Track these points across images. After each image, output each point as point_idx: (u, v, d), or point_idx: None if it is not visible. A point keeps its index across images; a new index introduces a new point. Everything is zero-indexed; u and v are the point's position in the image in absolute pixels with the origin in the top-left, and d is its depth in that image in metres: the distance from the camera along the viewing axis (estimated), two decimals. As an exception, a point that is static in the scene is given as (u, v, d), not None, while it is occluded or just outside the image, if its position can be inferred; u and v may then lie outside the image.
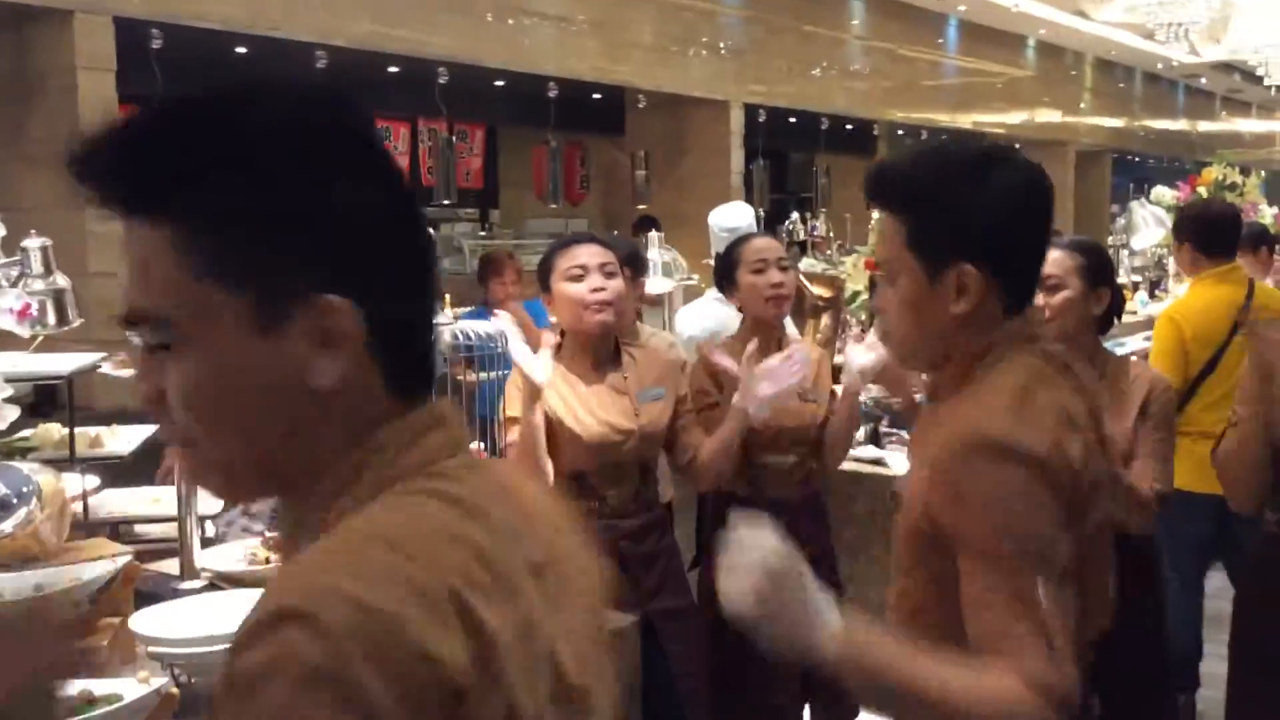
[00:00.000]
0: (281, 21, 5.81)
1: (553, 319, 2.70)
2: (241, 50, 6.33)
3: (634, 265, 3.58)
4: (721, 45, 8.52)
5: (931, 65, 10.99)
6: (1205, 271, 3.90)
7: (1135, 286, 7.59)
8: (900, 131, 11.94)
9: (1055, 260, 2.54)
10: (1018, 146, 12.63)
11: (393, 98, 7.50)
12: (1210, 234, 3.93)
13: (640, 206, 8.33)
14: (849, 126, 10.55)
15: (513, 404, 2.52)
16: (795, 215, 8.24)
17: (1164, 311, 4.12)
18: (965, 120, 11.58)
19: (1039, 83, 12.50)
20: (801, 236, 7.78)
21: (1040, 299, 2.52)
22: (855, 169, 10.57)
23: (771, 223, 8.45)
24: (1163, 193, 7.76)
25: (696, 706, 2.67)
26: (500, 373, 2.40)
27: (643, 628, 2.37)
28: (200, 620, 1.78)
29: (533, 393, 2.41)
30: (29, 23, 5.21)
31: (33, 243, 2.43)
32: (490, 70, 7.11)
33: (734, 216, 4.46)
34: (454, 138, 7.58)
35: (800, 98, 9.46)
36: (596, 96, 8.52)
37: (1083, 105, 13.48)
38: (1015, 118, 12.27)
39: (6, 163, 5.32)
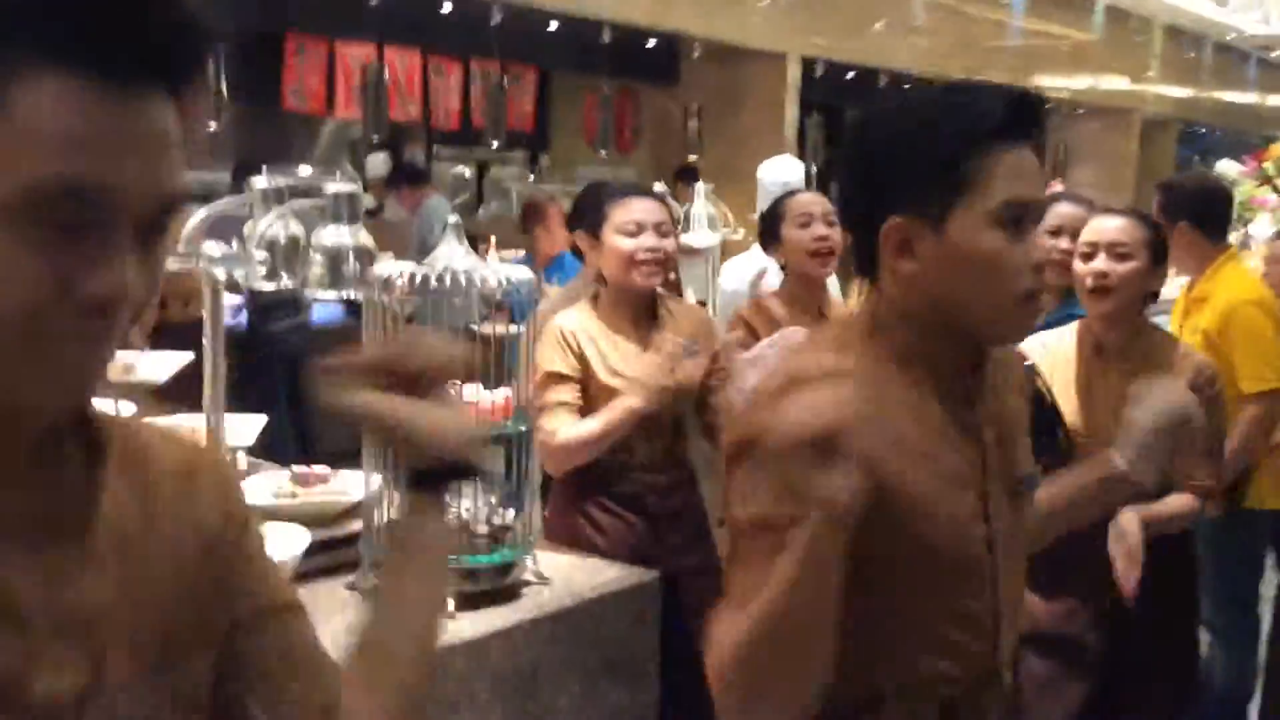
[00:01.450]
0: (336, -46, 5.76)
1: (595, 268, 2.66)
2: (297, -17, 6.30)
3: None
4: (782, -5, 8.36)
5: (995, 25, 10.73)
6: (1225, 254, 3.48)
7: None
8: (960, 92, 11.70)
9: (1124, 228, 2.37)
10: (1081, 112, 12.37)
11: (445, 35, 7.42)
12: (1218, 215, 3.51)
13: (691, 157, 8.24)
14: (906, 85, 10.35)
15: (550, 358, 2.49)
16: (848, 172, 8.12)
17: (1239, 300, 3.34)
18: (1027, 83, 11.30)
19: (1105, 48, 12.16)
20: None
21: (1105, 263, 2.38)
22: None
23: (824, 180, 8.33)
24: (1228, 166, 7.56)
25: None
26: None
27: (665, 584, 2.36)
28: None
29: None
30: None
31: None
32: (544, 12, 7.02)
33: (784, 171, 4.38)
34: (505, 79, 7.51)
35: (861, 53, 9.28)
36: (651, 44, 8.40)
37: (1150, 73, 13.13)
38: (1079, 83, 11.98)
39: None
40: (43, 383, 0.72)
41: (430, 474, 0.93)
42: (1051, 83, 11.62)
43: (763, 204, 4.18)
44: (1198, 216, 3.44)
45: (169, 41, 0.71)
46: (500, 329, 2.19)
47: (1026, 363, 1.95)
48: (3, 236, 0.68)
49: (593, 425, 2.47)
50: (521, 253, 5.65)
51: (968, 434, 1.32)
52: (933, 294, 1.28)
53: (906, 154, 1.27)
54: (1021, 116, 1.26)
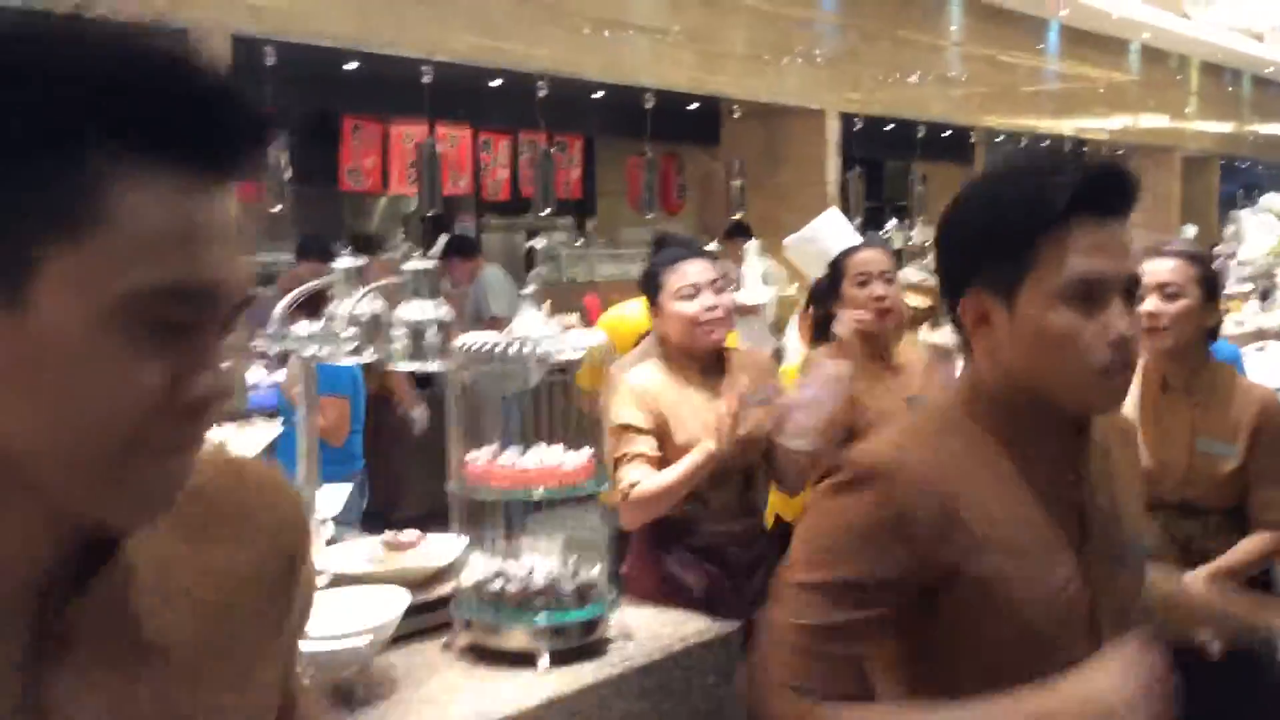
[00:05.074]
0: (391, 37, 5.96)
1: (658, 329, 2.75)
2: (351, 66, 6.52)
3: None
4: (817, 53, 8.51)
5: (1031, 71, 10.82)
6: None
7: (1245, 296, 7.39)
8: (999, 138, 11.78)
9: (1174, 268, 2.46)
10: (1120, 153, 12.40)
11: (493, 111, 7.63)
12: None
13: (736, 215, 8.36)
14: (945, 134, 10.45)
15: (624, 412, 2.56)
16: (892, 223, 8.19)
17: None
18: (1067, 126, 11.38)
19: (1143, 87, 12.22)
20: (898, 245, 7.73)
21: (1155, 304, 2.45)
22: (952, 176, 10.47)
23: (867, 231, 8.40)
24: (1273, 199, 7.56)
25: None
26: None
27: (744, 634, 2.40)
28: (325, 618, 1.86)
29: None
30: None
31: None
32: (589, 83, 7.20)
33: (833, 234, 4.30)
34: (552, 149, 7.69)
35: (896, 105, 9.40)
36: (692, 107, 8.57)
37: (1189, 110, 13.14)
38: (1118, 123, 12.02)
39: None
40: (134, 500, 0.68)
41: None
42: (1090, 124, 11.68)
43: (813, 265, 4.19)
44: None
45: (247, 132, 0.70)
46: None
47: None
48: (109, 344, 0.64)
49: (671, 474, 2.53)
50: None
51: (1069, 501, 1.30)
52: (1009, 367, 1.28)
53: (981, 228, 1.28)
54: (1103, 190, 1.24)
